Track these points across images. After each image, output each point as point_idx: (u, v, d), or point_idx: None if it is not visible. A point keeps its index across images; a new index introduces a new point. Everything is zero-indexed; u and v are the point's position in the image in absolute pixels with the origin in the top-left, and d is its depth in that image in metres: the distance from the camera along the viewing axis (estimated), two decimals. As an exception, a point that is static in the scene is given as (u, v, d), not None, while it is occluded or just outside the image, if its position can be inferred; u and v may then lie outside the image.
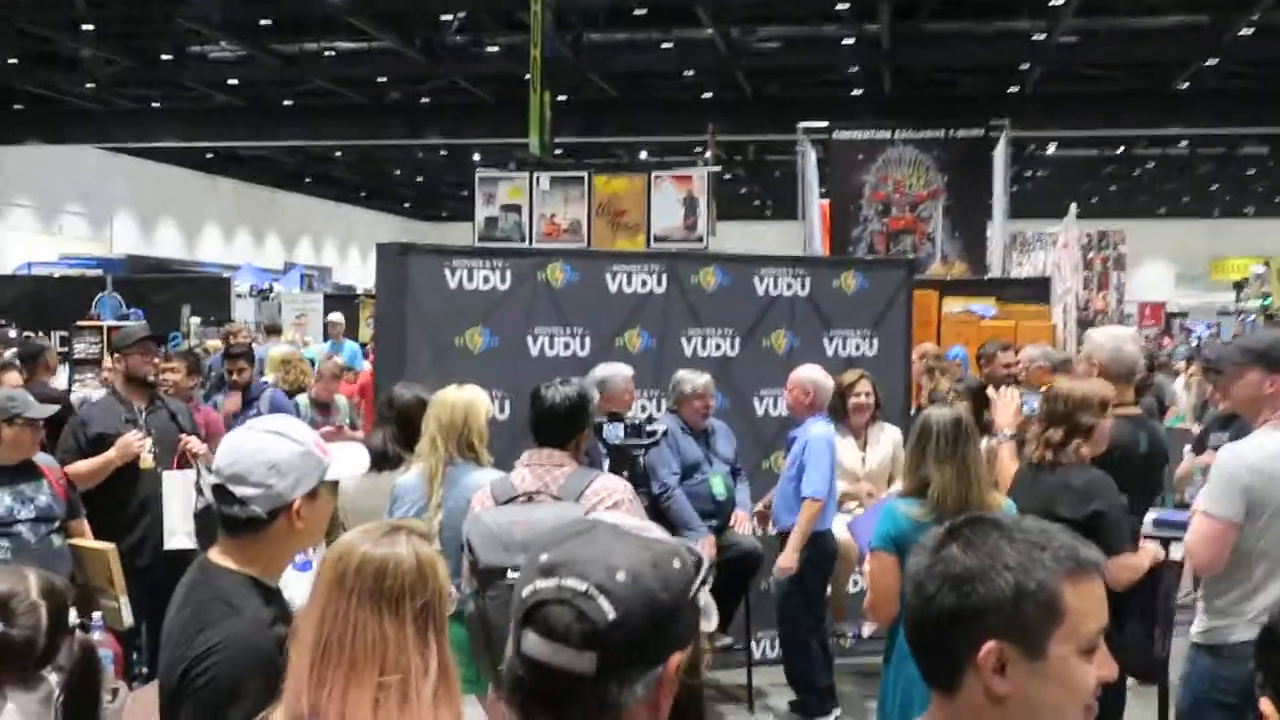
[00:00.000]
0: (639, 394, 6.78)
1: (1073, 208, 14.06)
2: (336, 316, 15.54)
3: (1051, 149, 28.84)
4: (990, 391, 6.25)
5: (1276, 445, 3.89)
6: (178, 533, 5.92)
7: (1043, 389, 4.95)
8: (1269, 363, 4.01)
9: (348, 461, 2.55)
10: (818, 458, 6.40)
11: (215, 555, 2.46)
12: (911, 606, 1.52)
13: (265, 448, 2.43)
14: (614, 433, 5.19)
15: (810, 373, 6.68)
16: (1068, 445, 4.47)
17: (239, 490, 2.41)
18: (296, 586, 5.88)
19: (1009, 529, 1.52)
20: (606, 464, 5.31)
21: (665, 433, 5.49)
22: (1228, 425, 6.80)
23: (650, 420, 5.65)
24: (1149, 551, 4.57)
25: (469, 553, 3.89)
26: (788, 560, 6.37)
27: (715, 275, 7.41)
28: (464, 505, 4.38)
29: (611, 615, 1.28)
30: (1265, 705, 1.86)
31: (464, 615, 3.81)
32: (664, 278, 7.26)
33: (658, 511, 6.40)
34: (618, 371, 6.30)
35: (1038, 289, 13.52)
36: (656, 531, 1.40)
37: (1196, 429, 9.06)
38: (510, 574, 3.74)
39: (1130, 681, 4.71)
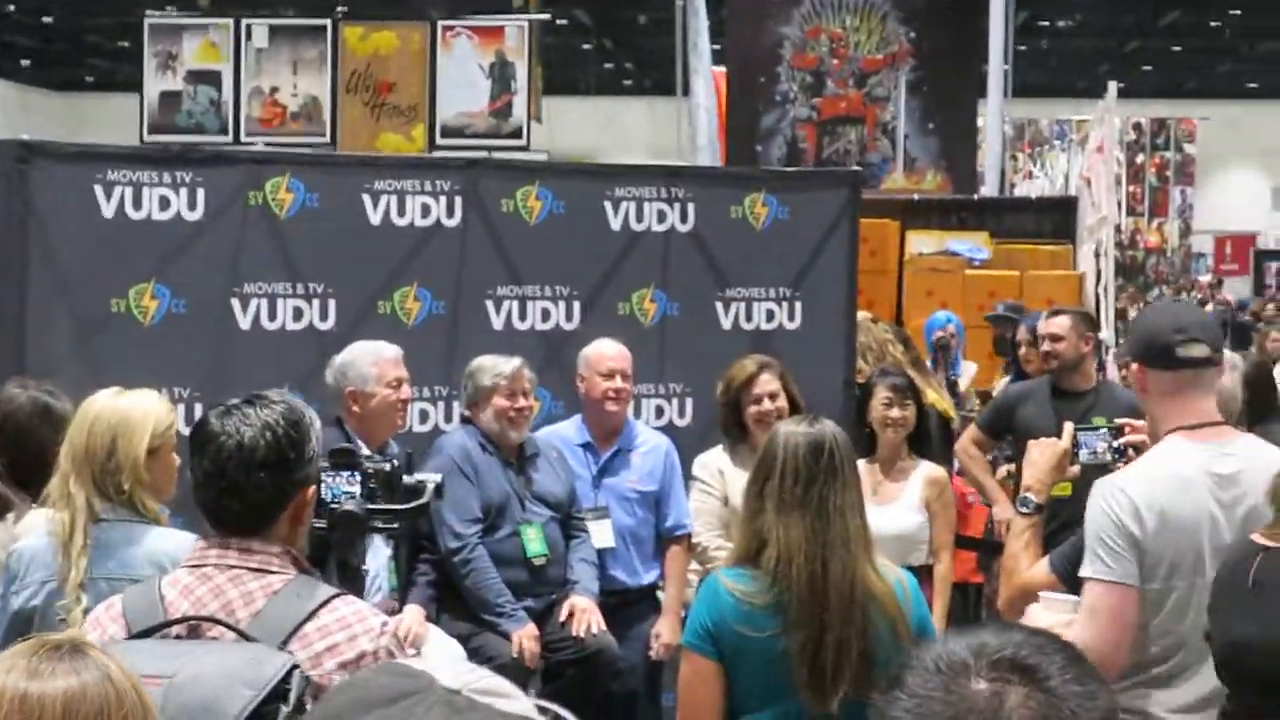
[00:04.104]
0: (418, 392, 6.82)
1: (1112, 86, 14.41)
2: None
3: (1081, -14, 29.48)
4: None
5: None
6: None
7: None
8: None
9: None
10: (680, 478, 6.66)
11: None
12: None
13: None
14: (339, 490, 4.47)
15: (602, 348, 6.92)
16: None
17: None
18: None
19: (1025, 645, 1.70)
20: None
21: (439, 489, 5.05)
22: None
23: (410, 458, 5.01)
24: None
25: None
26: (672, 629, 6.55)
27: (542, 197, 7.45)
28: (133, 593, 4.29)
29: None
30: None
31: None
32: (458, 201, 7.29)
33: (447, 584, 6.47)
34: (369, 352, 6.31)
35: (1056, 215, 13.84)
36: (523, 704, 1.42)
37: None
38: None
39: None
